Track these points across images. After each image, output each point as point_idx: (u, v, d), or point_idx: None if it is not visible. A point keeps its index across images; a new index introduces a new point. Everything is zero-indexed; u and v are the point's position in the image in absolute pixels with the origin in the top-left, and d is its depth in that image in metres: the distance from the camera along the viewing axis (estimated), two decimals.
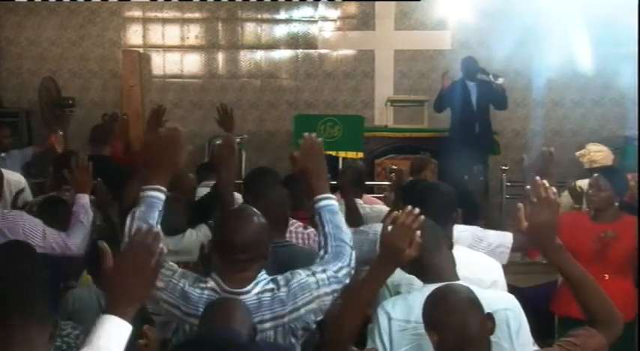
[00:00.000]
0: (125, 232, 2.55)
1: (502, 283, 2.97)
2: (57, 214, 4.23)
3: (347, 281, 2.58)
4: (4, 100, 10.27)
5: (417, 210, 2.47)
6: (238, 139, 6.69)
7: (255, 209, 2.58)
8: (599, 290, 2.35)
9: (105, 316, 1.88)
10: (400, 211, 2.53)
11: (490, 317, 2.27)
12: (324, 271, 2.55)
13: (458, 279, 2.59)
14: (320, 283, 2.51)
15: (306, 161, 2.80)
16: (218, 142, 5.67)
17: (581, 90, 10.15)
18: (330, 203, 2.69)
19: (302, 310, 2.46)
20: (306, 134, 2.86)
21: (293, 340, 2.46)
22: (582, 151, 5.85)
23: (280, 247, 2.95)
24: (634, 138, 8.38)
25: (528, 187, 2.28)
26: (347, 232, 2.66)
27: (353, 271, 2.62)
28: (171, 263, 2.55)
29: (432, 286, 2.59)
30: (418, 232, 2.43)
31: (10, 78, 10.47)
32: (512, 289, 3.18)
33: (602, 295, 2.34)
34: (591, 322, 2.29)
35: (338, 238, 2.62)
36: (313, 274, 2.53)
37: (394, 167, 5.35)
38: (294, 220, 3.70)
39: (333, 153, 7.43)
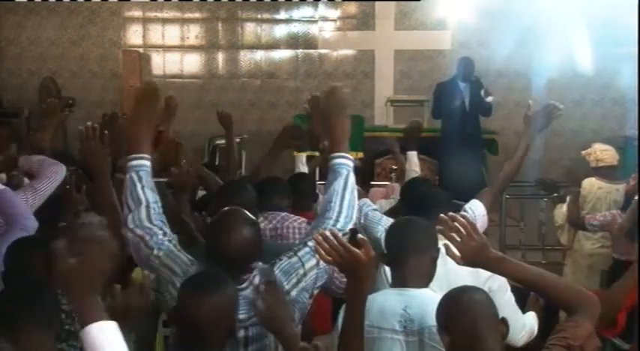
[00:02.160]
0: (125, 212, 2.61)
1: (499, 278, 2.95)
2: None
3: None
4: (4, 100, 10.27)
5: (323, 233, 2.22)
6: (238, 140, 6.69)
7: (244, 211, 2.56)
8: (562, 282, 2.34)
9: (85, 330, 1.74)
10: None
11: (504, 321, 2.26)
12: (305, 244, 2.54)
13: (426, 287, 2.57)
14: (303, 259, 2.50)
15: (330, 109, 2.69)
16: (219, 142, 5.65)
17: (581, 90, 10.14)
18: (338, 162, 2.62)
19: (293, 293, 2.47)
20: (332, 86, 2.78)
21: None
22: (588, 150, 5.84)
23: None
24: (634, 138, 8.38)
25: (439, 227, 2.24)
26: (346, 187, 2.58)
27: (345, 229, 2.52)
28: (190, 257, 2.56)
29: (393, 291, 2.57)
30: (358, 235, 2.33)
31: (10, 78, 10.47)
32: (512, 288, 3.17)
33: (568, 285, 2.33)
34: (570, 314, 2.28)
35: (328, 200, 2.59)
36: (295, 253, 2.52)
37: (394, 167, 5.35)
38: (297, 217, 3.70)
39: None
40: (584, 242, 5.70)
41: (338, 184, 2.60)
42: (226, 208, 2.60)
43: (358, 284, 2.24)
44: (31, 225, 3.12)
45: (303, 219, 3.70)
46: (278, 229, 3.58)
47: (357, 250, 2.17)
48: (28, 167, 3.79)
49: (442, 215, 2.23)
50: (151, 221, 2.57)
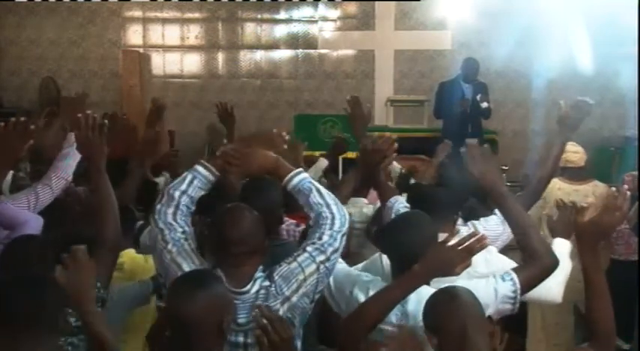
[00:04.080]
0: (158, 199, 2.64)
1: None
2: None
3: (335, 243, 2.53)
4: (4, 100, 10.27)
5: (484, 238, 2.46)
6: None
7: (246, 206, 2.61)
8: (609, 307, 2.37)
9: None
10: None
11: (491, 320, 2.27)
12: (304, 250, 2.54)
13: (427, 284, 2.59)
14: (303, 264, 2.50)
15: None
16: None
17: (581, 90, 10.09)
18: (297, 181, 2.63)
19: (293, 299, 2.47)
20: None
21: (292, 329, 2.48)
22: None
23: (276, 246, 2.96)
24: (634, 138, 8.37)
25: (625, 185, 2.32)
26: (322, 195, 2.60)
27: (342, 229, 2.56)
28: (201, 259, 2.58)
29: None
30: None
31: (10, 78, 10.48)
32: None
33: (611, 313, 2.34)
34: (590, 333, 2.30)
35: (314, 208, 2.60)
36: (295, 258, 2.53)
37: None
38: (286, 218, 3.72)
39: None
40: None
41: (314, 197, 2.61)
42: (231, 204, 2.64)
43: (423, 273, 2.44)
44: (35, 227, 3.12)
45: (292, 221, 3.73)
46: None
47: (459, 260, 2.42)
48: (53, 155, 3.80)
49: (470, 141, 2.41)
50: (175, 219, 2.60)
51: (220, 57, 10.61)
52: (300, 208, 4.01)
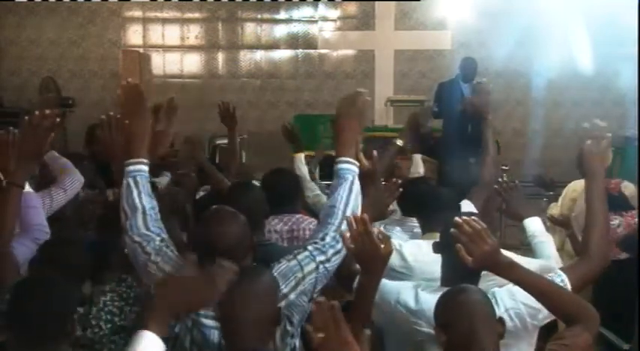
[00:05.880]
0: (123, 219, 2.57)
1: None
2: None
3: (337, 245, 2.51)
4: (4, 100, 10.28)
5: (357, 216, 2.36)
6: (238, 139, 6.70)
7: (230, 208, 2.57)
8: (565, 293, 2.42)
9: (142, 333, 1.91)
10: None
11: (501, 321, 2.28)
12: (305, 248, 2.53)
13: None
14: (302, 262, 2.49)
15: (342, 115, 2.72)
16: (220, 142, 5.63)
17: (581, 90, 10.15)
18: (344, 167, 2.61)
19: (291, 296, 2.46)
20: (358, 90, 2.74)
21: (289, 327, 2.46)
22: None
23: (260, 246, 2.95)
24: (634, 138, 8.37)
25: (452, 229, 2.29)
26: (350, 194, 2.57)
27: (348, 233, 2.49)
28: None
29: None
30: (379, 229, 2.43)
31: (10, 78, 10.48)
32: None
33: (571, 296, 2.38)
34: (569, 324, 2.31)
35: (331, 204, 2.58)
36: (295, 256, 2.51)
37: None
38: (311, 219, 3.60)
39: (333, 153, 7.44)
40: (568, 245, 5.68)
41: (343, 190, 2.58)
42: (214, 206, 2.59)
43: (370, 278, 2.34)
44: (44, 238, 3.13)
45: (312, 219, 3.64)
46: (294, 231, 3.50)
47: (379, 244, 2.27)
48: (51, 166, 3.83)
49: (457, 219, 2.30)
50: (147, 228, 2.54)
51: (220, 57, 10.62)
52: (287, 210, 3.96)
